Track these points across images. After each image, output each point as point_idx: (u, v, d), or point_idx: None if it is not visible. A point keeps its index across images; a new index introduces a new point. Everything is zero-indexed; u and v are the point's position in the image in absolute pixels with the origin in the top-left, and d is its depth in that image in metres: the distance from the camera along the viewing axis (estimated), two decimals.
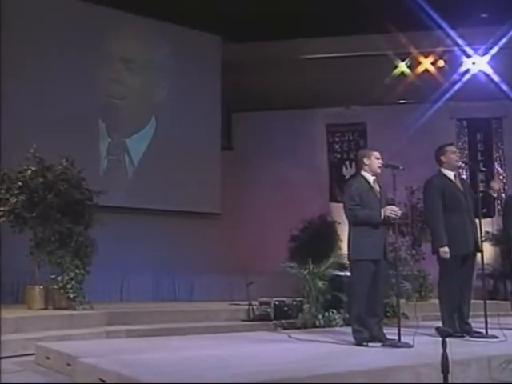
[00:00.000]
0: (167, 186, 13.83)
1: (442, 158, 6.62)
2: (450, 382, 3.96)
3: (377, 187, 6.12)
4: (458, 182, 6.60)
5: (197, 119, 14.63)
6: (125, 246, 12.52)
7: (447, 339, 4.09)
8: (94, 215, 9.42)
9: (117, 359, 5.00)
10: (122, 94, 14.13)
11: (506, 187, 14.38)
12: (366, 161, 6.15)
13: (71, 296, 8.75)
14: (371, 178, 6.12)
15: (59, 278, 8.80)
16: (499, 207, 13.90)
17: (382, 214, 5.92)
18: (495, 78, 14.13)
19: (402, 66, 14.95)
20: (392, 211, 5.92)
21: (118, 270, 12.14)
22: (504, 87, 13.81)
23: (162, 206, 13.75)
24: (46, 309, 8.81)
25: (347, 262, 6.54)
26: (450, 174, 6.59)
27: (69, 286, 8.75)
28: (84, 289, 8.99)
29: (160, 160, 14.09)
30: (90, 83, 13.32)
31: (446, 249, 6.27)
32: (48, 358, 5.77)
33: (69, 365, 5.24)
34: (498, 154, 14.77)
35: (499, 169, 14.68)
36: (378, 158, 6.14)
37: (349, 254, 6.09)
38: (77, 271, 8.89)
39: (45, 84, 12.62)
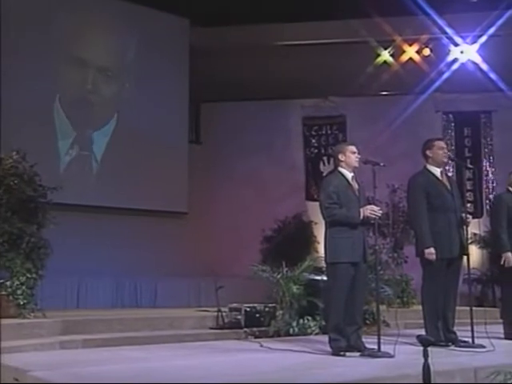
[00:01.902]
0: (129, 183, 13.69)
1: (428, 152, 6.65)
2: None
3: (355, 184, 6.15)
4: (444, 180, 6.63)
5: (162, 110, 14.48)
6: (82, 248, 12.39)
7: (430, 348, 4.11)
8: (47, 214, 9.31)
9: (71, 372, 4.97)
10: (84, 85, 13.95)
11: (494, 186, 14.53)
12: (341, 157, 6.18)
13: (21, 303, 8.57)
14: (349, 175, 6.16)
15: (8, 283, 8.62)
16: (487, 207, 14.12)
17: (362, 213, 5.94)
18: (485, 68, 14.19)
19: (385, 55, 14.94)
20: (372, 211, 5.95)
21: (74, 273, 12.00)
22: (494, 78, 13.86)
23: (124, 204, 13.59)
24: None
25: (324, 265, 6.56)
26: (436, 171, 6.62)
27: (19, 291, 8.59)
28: (36, 295, 8.84)
29: (122, 155, 13.90)
30: (47, 73, 13.05)
31: (432, 250, 6.31)
32: None
33: (16, 379, 5.16)
34: (486, 151, 14.87)
35: (488, 166, 14.79)
36: (353, 152, 6.18)
37: (325, 257, 6.11)
38: (28, 275, 8.74)
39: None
